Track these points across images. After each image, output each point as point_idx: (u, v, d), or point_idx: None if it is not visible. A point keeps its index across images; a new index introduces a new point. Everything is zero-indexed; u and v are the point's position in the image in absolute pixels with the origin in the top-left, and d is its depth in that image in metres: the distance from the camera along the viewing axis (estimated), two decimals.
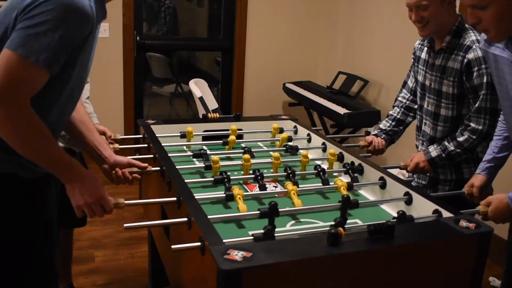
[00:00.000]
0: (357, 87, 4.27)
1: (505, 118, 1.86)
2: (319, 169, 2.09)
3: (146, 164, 1.92)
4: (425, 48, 2.31)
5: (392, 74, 4.10)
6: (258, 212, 1.57)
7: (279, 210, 1.56)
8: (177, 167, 1.93)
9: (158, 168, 1.96)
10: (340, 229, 1.37)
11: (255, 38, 4.84)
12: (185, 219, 1.53)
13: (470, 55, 2.07)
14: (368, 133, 4.00)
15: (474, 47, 2.07)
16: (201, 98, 3.79)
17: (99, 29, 1.57)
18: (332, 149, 2.25)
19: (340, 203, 1.68)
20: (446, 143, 2.17)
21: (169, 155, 2.07)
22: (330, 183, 2.01)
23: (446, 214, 1.66)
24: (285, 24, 4.89)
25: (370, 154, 2.46)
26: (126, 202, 1.67)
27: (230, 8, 4.86)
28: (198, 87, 3.93)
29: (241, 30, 4.80)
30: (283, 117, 2.77)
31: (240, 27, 4.80)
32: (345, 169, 2.12)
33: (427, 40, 2.28)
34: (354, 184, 1.98)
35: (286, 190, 1.88)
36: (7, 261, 1.55)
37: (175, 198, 1.67)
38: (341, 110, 3.82)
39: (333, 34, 4.91)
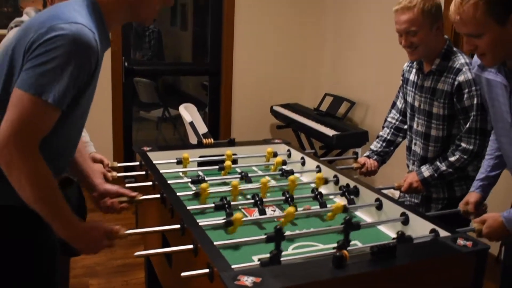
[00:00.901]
0: (344, 108, 4.34)
1: (497, 139, 1.93)
2: (316, 193, 2.13)
3: (136, 193, 1.94)
4: (414, 70, 2.38)
5: (378, 95, 4.19)
6: (264, 236, 1.60)
7: (297, 232, 1.61)
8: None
9: (158, 196, 1.98)
10: (345, 251, 1.41)
11: (242, 62, 4.91)
12: (191, 246, 1.55)
13: (461, 78, 2.14)
14: (356, 154, 4.09)
15: (464, 69, 2.15)
16: (191, 123, 3.83)
17: (102, 59, 1.61)
18: (320, 173, 2.30)
19: (342, 225, 1.71)
20: (438, 164, 2.23)
21: (168, 182, 2.10)
22: (328, 206, 2.05)
23: (443, 233, 1.71)
24: (271, 47, 4.97)
25: (363, 175, 2.52)
26: (129, 231, 1.69)
27: (216, 32, 4.93)
28: (188, 112, 3.97)
29: (228, 53, 4.87)
30: (276, 141, 2.82)
31: (227, 51, 4.87)
32: (341, 191, 2.16)
33: (416, 62, 2.35)
34: (350, 206, 2.03)
35: (275, 215, 1.93)
36: None
37: (179, 226, 1.70)
38: (330, 132, 3.88)
39: (319, 56, 5.00)
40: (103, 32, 1.53)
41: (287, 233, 1.74)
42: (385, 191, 2.13)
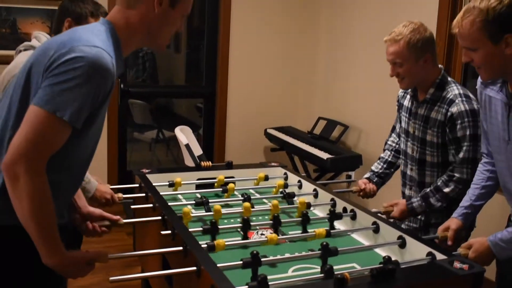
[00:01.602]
0: (337, 132, 4.41)
1: (494, 157, 1.98)
2: (305, 217, 2.14)
3: (118, 217, 1.93)
4: (408, 97, 2.45)
5: (371, 119, 4.25)
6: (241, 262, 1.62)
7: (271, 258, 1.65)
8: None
9: (160, 218, 2.01)
10: (346, 273, 1.45)
11: (236, 85, 4.97)
12: (194, 268, 1.58)
13: (454, 109, 2.20)
14: (349, 177, 4.13)
15: (457, 101, 2.21)
16: (187, 145, 3.87)
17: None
18: (302, 198, 2.33)
19: (320, 251, 1.76)
20: (431, 200, 2.26)
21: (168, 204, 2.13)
22: (309, 231, 2.08)
23: (439, 256, 1.75)
24: (266, 70, 5.05)
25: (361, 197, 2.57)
26: (128, 254, 1.72)
27: (211, 55, 5.00)
28: (184, 134, 4.01)
29: (223, 77, 4.93)
30: (273, 164, 2.86)
31: (222, 74, 4.93)
32: (328, 215, 2.19)
33: (411, 90, 2.41)
34: (332, 231, 2.05)
35: (284, 237, 1.97)
36: None
37: (181, 248, 1.73)
38: (324, 155, 3.94)
39: (313, 81, 5.08)
40: (119, 56, 1.57)
41: (269, 258, 1.75)
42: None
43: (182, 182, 2.48)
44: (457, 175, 2.22)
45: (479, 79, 1.95)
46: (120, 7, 1.58)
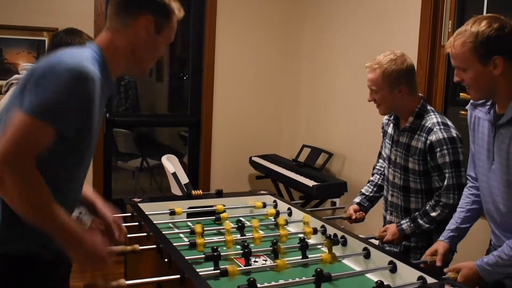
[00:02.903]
0: (321, 159, 4.47)
1: (478, 178, 2.05)
2: (303, 243, 2.19)
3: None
4: (391, 124, 2.54)
5: (354, 146, 4.33)
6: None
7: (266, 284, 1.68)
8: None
9: (155, 246, 2.04)
10: None
11: (221, 113, 5.03)
12: None
13: (432, 137, 2.28)
14: (334, 204, 4.18)
15: (435, 129, 2.29)
16: (174, 174, 3.90)
17: (104, 103, 1.69)
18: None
19: (313, 277, 1.80)
20: (420, 221, 2.33)
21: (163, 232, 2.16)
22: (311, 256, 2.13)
23: (430, 279, 1.81)
24: (250, 99, 5.13)
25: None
26: (128, 282, 1.73)
27: (196, 83, 5.06)
28: (170, 163, 4.04)
29: (208, 105, 4.99)
30: (262, 192, 2.90)
31: (207, 104, 4.99)
32: (325, 241, 2.24)
33: (393, 117, 2.50)
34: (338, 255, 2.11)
35: (263, 265, 2.02)
36: None
37: (178, 276, 1.75)
38: (309, 182, 3.99)
39: (296, 109, 5.17)
40: (107, 77, 1.61)
41: (264, 285, 1.79)
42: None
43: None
44: (443, 200, 2.29)
45: (470, 101, 2.05)
46: (107, 31, 1.66)
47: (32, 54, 4.52)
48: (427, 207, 2.33)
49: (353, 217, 2.62)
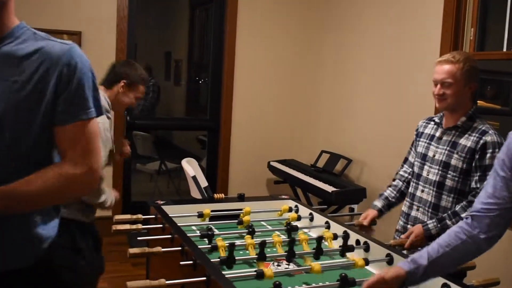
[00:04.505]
0: (340, 165, 4.48)
1: None
2: (318, 248, 2.19)
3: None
4: (430, 125, 2.58)
5: (374, 152, 4.34)
6: None
7: None
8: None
9: (179, 248, 2.06)
10: None
11: (240, 118, 5.06)
12: None
13: (488, 138, 2.34)
14: (352, 210, 4.18)
15: (490, 132, 2.36)
16: (194, 177, 3.92)
17: None
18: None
19: (338, 282, 1.82)
20: (448, 222, 2.34)
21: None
22: (337, 260, 2.14)
23: (454, 286, 1.81)
24: (269, 104, 5.15)
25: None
26: (153, 283, 1.76)
27: (216, 88, 5.10)
28: (190, 166, 4.07)
29: (227, 110, 5.03)
30: (283, 196, 2.92)
31: (226, 107, 5.02)
32: (340, 248, 2.26)
33: (438, 118, 2.56)
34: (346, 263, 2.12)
35: (300, 268, 2.02)
36: None
37: (204, 278, 1.77)
38: (329, 188, 4.00)
39: (316, 115, 5.19)
40: None
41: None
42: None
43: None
44: None
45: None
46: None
47: None
48: (457, 208, 2.34)
49: (365, 223, 2.62)
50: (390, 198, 2.68)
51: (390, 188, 2.72)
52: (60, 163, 1.47)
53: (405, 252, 2.29)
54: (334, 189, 3.96)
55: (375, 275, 1.72)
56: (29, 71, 1.42)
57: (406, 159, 2.74)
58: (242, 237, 2.39)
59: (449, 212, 2.37)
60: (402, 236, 2.45)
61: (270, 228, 2.58)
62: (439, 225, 2.36)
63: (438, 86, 2.42)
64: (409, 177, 2.67)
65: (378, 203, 2.69)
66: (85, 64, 1.48)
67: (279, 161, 4.90)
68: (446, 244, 1.69)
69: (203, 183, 4.10)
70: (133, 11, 4.73)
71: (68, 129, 1.45)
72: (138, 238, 2.26)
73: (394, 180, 2.74)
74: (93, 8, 4.57)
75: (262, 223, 2.66)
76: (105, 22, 4.60)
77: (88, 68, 1.49)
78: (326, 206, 3.06)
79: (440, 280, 1.86)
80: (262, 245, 2.10)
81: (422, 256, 1.69)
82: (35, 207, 1.49)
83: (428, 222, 2.39)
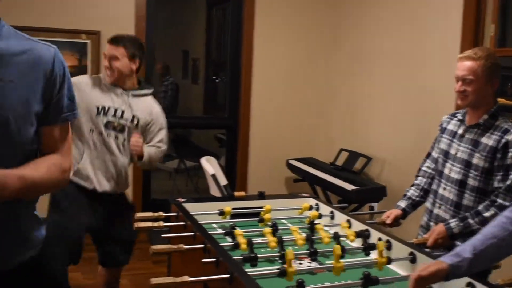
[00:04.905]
0: (360, 163, 4.46)
1: None
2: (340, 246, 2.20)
3: None
4: (454, 121, 2.55)
5: (394, 150, 4.31)
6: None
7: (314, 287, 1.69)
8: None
9: (202, 246, 2.07)
10: None
11: (259, 116, 5.07)
12: None
13: (510, 137, 2.31)
14: (372, 208, 4.16)
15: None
16: (213, 176, 3.94)
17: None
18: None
19: (361, 280, 1.81)
20: (470, 221, 2.32)
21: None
22: (359, 258, 2.13)
23: (479, 286, 1.79)
24: (288, 102, 5.15)
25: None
26: (177, 280, 1.77)
27: (234, 86, 5.11)
28: (210, 164, 4.08)
29: (246, 108, 5.03)
30: (304, 194, 2.91)
31: (245, 106, 5.03)
32: (363, 246, 2.26)
33: (461, 114, 2.52)
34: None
35: (323, 266, 2.01)
36: None
37: (227, 275, 1.78)
38: (348, 186, 3.98)
39: (334, 112, 5.17)
40: None
41: (312, 287, 1.82)
42: None
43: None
44: (500, 200, 2.27)
45: None
46: None
47: (75, 56, 4.63)
48: (480, 207, 2.32)
49: (388, 221, 2.61)
50: (413, 198, 2.66)
51: (413, 188, 2.70)
52: (54, 155, 1.54)
53: (428, 250, 2.27)
54: (354, 187, 3.95)
55: (411, 274, 1.70)
56: (21, 72, 1.44)
57: (429, 154, 2.72)
58: (263, 235, 2.39)
59: (472, 211, 2.35)
60: (425, 235, 2.43)
61: (291, 226, 2.58)
62: (461, 224, 2.33)
63: (460, 82, 2.40)
64: (433, 172, 2.65)
65: (402, 203, 2.67)
66: (67, 67, 1.57)
67: (298, 159, 4.89)
68: (492, 235, 1.67)
69: (223, 181, 4.11)
70: (151, 10, 4.76)
71: (57, 128, 1.54)
72: (162, 235, 2.28)
73: (417, 177, 2.72)
74: (112, 7, 4.61)
75: (283, 221, 2.66)
76: (123, 21, 4.63)
77: (68, 71, 1.57)
78: (346, 205, 3.00)
79: (465, 279, 1.84)
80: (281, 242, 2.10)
81: (465, 249, 1.67)
82: (36, 195, 1.58)
83: (450, 221, 2.37)
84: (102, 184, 2.89)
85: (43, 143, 1.53)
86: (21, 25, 4.29)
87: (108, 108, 2.85)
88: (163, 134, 3.00)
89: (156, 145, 2.95)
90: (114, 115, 2.86)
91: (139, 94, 2.95)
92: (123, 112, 2.87)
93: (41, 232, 1.65)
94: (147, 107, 2.96)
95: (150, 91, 3.05)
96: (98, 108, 2.83)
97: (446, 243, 2.37)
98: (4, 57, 1.43)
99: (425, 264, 1.74)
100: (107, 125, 2.85)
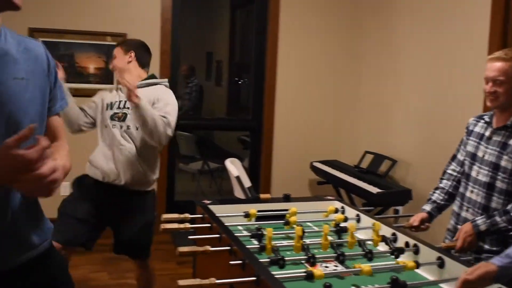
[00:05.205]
0: (385, 166, 4.42)
1: None
2: (366, 250, 2.19)
3: None
4: (481, 124, 2.52)
5: (419, 153, 4.26)
6: None
7: None
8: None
9: (228, 248, 2.07)
10: None
11: (283, 118, 5.07)
12: None
13: None
14: (397, 211, 4.12)
15: None
16: (238, 177, 3.94)
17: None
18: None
19: (389, 285, 1.80)
20: (497, 218, 2.28)
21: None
22: (386, 262, 2.12)
23: None
24: (311, 103, 5.14)
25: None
26: (203, 282, 1.77)
27: (258, 88, 5.11)
28: (234, 166, 4.09)
29: (270, 110, 5.04)
30: (329, 197, 2.90)
31: (269, 108, 5.03)
32: (390, 250, 2.23)
33: (488, 116, 2.49)
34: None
35: (349, 269, 2.00)
36: None
37: (254, 278, 1.77)
38: (373, 189, 3.95)
39: (359, 115, 5.14)
40: None
41: None
42: None
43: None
44: None
45: None
46: None
47: (102, 58, 4.68)
48: (508, 207, 2.29)
49: (415, 223, 2.58)
50: (438, 201, 2.63)
51: (437, 191, 2.67)
52: (63, 143, 1.65)
53: (457, 254, 2.25)
54: (379, 190, 3.91)
55: (458, 278, 1.69)
56: (28, 69, 1.50)
57: (454, 156, 2.68)
58: (289, 237, 2.39)
59: (500, 210, 2.31)
60: (454, 239, 2.40)
61: (316, 229, 2.57)
62: (488, 221, 2.30)
63: (490, 84, 2.36)
64: (458, 175, 2.62)
65: (427, 207, 2.65)
66: None
67: (322, 162, 4.87)
68: None
69: (247, 183, 4.12)
70: (176, 13, 4.79)
71: (57, 117, 1.65)
72: (189, 237, 2.29)
73: (441, 180, 2.69)
74: (138, 10, 4.65)
75: (308, 224, 2.65)
76: (149, 24, 4.68)
77: None
78: (372, 208, 2.97)
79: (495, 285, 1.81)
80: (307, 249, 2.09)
81: None
82: None
83: (476, 218, 2.34)
84: (112, 174, 2.97)
85: (48, 133, 1.59)
86: (48, 27, 4.41)
87: (114, 102, 3.03)
88: (170, 108, 2.95)
89: (162, 114, 2.89)
90: (119, 107, 3.01)
91: (141, 85, 2.98)
92: (125, 102, 2.97)
93: (50, 225, 1.70)
94: (151, 93, 2.99)
95: (154, 80, 3.11)
96: (107, 105, 3.04)
97: (474, 241, 2.34)
98: (12, 56, 1.47)
99: (472, 269, 1.73)
100: (112, 116, 2.99)
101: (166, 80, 3.19)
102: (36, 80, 1.52)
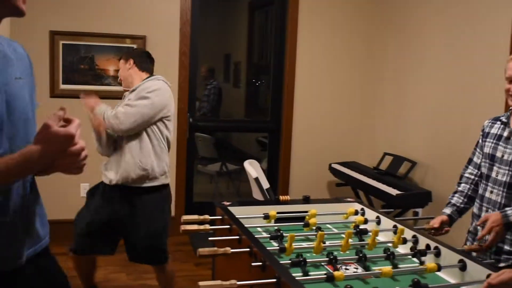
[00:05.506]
0: (404, 168, 4.39)
1: None
2: (388, 252, 2.17)
3: None
4: (496, 125, 2.51)
5: (439, 155, 4.22)
6: None
7: None
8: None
9: (248, 249, 2.07)
10: None
11: (301, 120, 5.06)
12: None
13: None
14: (416, 214, 4.09)
15: None
16: (256, 179, 3.94)
17: None
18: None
19: (410, 287, 1.78)
20: None
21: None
22: (407, 265, 2.10)
23: None
24: (330, 105, 5.12)
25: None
26: (224, 283, 1.78)
27: (277, 90, 5.11)
28: (253, 168, 4.09)
29: (288, 112, 5.03)
30: (349, 199, 2.89)
31: (288, 109, 5.03)
32: (412, 252, 2.21)
33: (504, 117, 2.48)
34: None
35: (370, 272, 1.99)
36: None
37: (274, 279, 1.77)
38: (392, 191, 3.93)
39: (378, 116, 5.11)
40: None
41: None
42: None
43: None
44: None
45: None
46: None
47: None
48: None
49: (436, 225, 2.55)
50: (458, 204, 2.61)
51: (456, 195, 2.65)
52: None
53: (479, 258, 2.22)
54: (398, 192, 3.89)
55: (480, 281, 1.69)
56: (22, 69, 1.56)
57: (470, 160, 2.66)
58: (308, 239, 2.38)
59: None
60: (477, 222, 2.37)
61: (336, 231, 2.56)
62: None
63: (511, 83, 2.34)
64: (476, 178, 2.60)
65: (447, 210, 2.63)
66: None
67: (341, 163, 4.85)
68: None
69: (265, 184, 4.12)
70: (195, 15, 4.81)
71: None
72: (209, 238, 2.29)
73: (459, 184, 2.67)
74: (157, 12, 4.68)
75: (328, 225, 2.64)
76: (168, 26, 4.71)
77: None
78: (392, 210, 2.95)
79: None
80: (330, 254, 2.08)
81: None
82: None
83: (507, 209, 2.30)
84: (109, 174, 3.17)
85: None
86: (68, 30, 4.45)
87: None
88: (129, 108, 3.07)
89: (125, 103, 3.11)
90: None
91: (134, 89, 3.19)
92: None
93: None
94: (138, 92, 3.15)
95: (150, 78, 3.24)
96: None
97: (501, 232, 2.29)
98: (10, 57, 1.52)
99: (495, 274, 1.73)
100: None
101: (161, 76, 3.29)
102: (27, 79, 1.59)
